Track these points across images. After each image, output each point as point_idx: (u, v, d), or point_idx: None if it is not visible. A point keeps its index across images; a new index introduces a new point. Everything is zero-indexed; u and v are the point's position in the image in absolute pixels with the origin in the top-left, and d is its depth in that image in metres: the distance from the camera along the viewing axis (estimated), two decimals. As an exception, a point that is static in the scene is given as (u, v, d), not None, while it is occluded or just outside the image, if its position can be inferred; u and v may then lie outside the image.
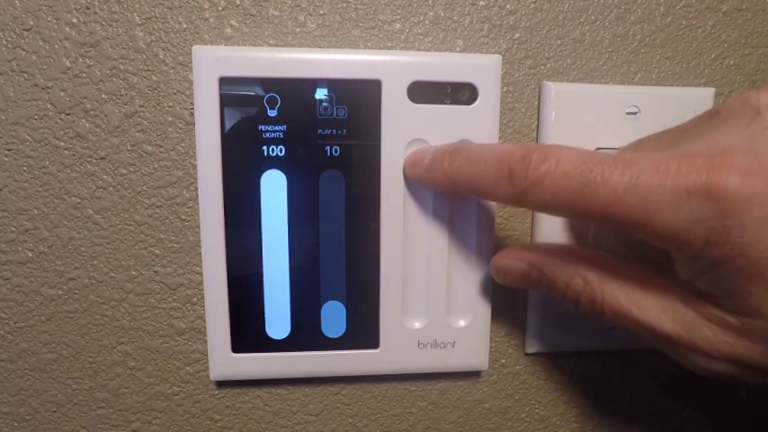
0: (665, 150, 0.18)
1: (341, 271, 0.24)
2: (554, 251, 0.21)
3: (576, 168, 0.16)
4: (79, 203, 0.24)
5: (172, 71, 0.23)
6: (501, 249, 0.22)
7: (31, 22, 0.22)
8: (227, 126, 0.23)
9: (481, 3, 0.25)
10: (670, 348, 0.18)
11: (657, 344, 0.18)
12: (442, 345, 0.25)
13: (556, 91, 0.25)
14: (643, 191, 0.15)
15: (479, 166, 0.19)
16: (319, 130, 0.23)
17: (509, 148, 0.18)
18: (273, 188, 0.23)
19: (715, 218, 0.14)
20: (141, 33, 0.23)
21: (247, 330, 0.24)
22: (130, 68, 0.23)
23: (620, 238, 0.23)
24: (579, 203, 0.16)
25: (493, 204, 0.25)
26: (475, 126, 0.24)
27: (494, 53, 0.25)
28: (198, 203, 0.24)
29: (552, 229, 0.26)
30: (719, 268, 0.15)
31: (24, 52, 0.23)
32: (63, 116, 0.23)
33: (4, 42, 0.22)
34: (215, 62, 0.22)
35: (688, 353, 0.17)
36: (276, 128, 0.23)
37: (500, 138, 0.25)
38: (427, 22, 0.24)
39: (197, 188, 0.24)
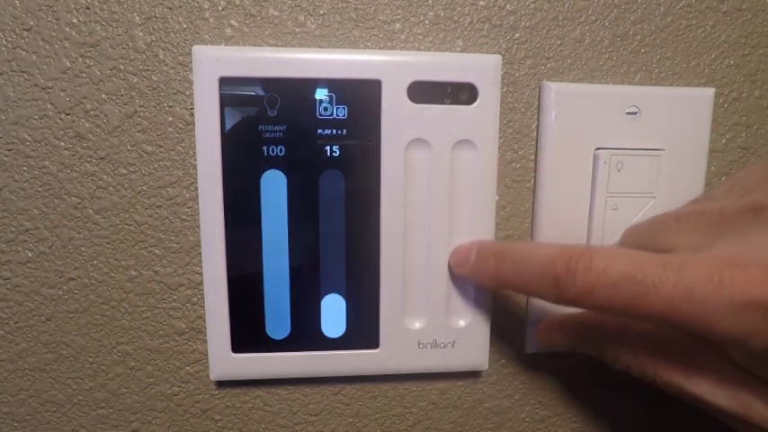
0: (707, 243, 0.17)
1: (341, 271, 0.24)
2: (600, 323, 0.21)
3: (625, 278, 0.16)
4: (79, 203, 0.24)
5: (172, 71, 0.23)
6: (545, 319, 0.22)
7: (31, 22, 0.22)
8: (227, 126, 0.23)
9: (481, 3, 0.25)
10: (724, 417, 0.18)
11: (711, 412, 0.19)
12: (442, 345, 0.25)
13: (556, 91, 0.25)
14: (698, 302, 0.15)
15: (525, 272, 0.20)
16: (319, 130, 0.23)
17: (552, 253, 0.18)
18: (273, 188, 0.23)
19: None
20: (141, 33, 0.23)
21: (247, 330, 0.24)
22: (130, 68, 0.23)
23: None
24: (632, 310, 0.16)
25: (492, 204, 0.25)
26: (475, 126, 0.24)
27: (494, 53, 0.25)
28: (198, 203, 0.24)
29: (552, 229, 0.26)
30: None
31: (24, 52, 0.23)
32: (63, 116, 0.23)
33: (4, 42, 0.22)
34: (215, 62, 0.22)
35: (743, 425, 0.18)
36: (276, 128, 0.23)
37: (500, 138, 0.25)
38: (427, 22, 0.24)
39: (197, 188, 0.24)
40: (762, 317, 0.14)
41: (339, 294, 0.25)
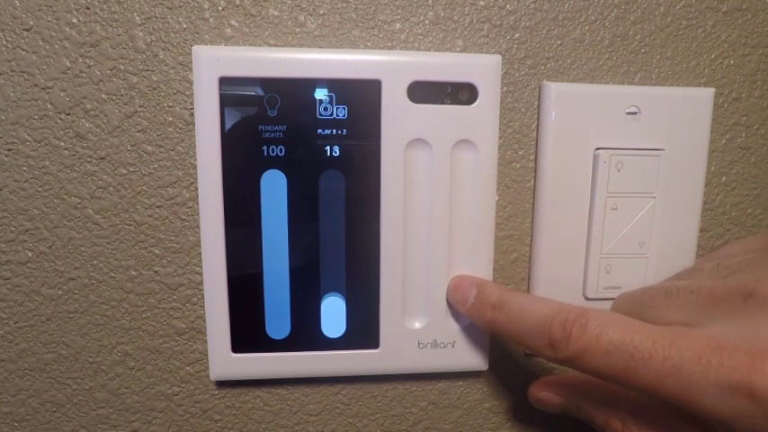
0: (697, 321, 0.18)
1: (341, 271, 0.24)
2: (591, 387, 0.22)
3: (617, 348, 0.17)
4: (79, 203, 0.24)
5: (172, 71, 0.23)
6: (538, 379, 0.23)
7: (31, 22, 0.22)
8: (227, 126, 0.23)
9: (481, 3, 0.25)
10: None
11: None
12: (442, 345, 0.25)
13: (556, 91, 0.25)
14: (684, 379, 0.16)
15: (521, 328, 0.20)
16: (319, 130, 0.23)
17: (549, 313, 0.19)
18: (273, 188, 0.23)
19: (760, 415, 0.15)
20: (141, 33, 0.23)
21: (247, 330, 0.24)
22: (130, 68, 0.23)
23: None
24: (621, 379, 0.17)
25: (492, 204, 0.25)
26: (475, 126, 0.24)
27: (494, 53, 0.25)
28: (198, 203, 0.24)
29: (552, 230, 0.26)
30: None
31: (24, 52, 0.23)
32: (63, 116, 0.23)
33: (4, 42, 0.22)
34: (215, 62, 0.22)
35: None
36: (276, 128, 0.23)
37: (500, 138, 0.25)
38: (427, 22, 0.24)
39: (197, 188, 0.24)
40: (747, 402, 0.15)
41: (339, 294, 0.25)
